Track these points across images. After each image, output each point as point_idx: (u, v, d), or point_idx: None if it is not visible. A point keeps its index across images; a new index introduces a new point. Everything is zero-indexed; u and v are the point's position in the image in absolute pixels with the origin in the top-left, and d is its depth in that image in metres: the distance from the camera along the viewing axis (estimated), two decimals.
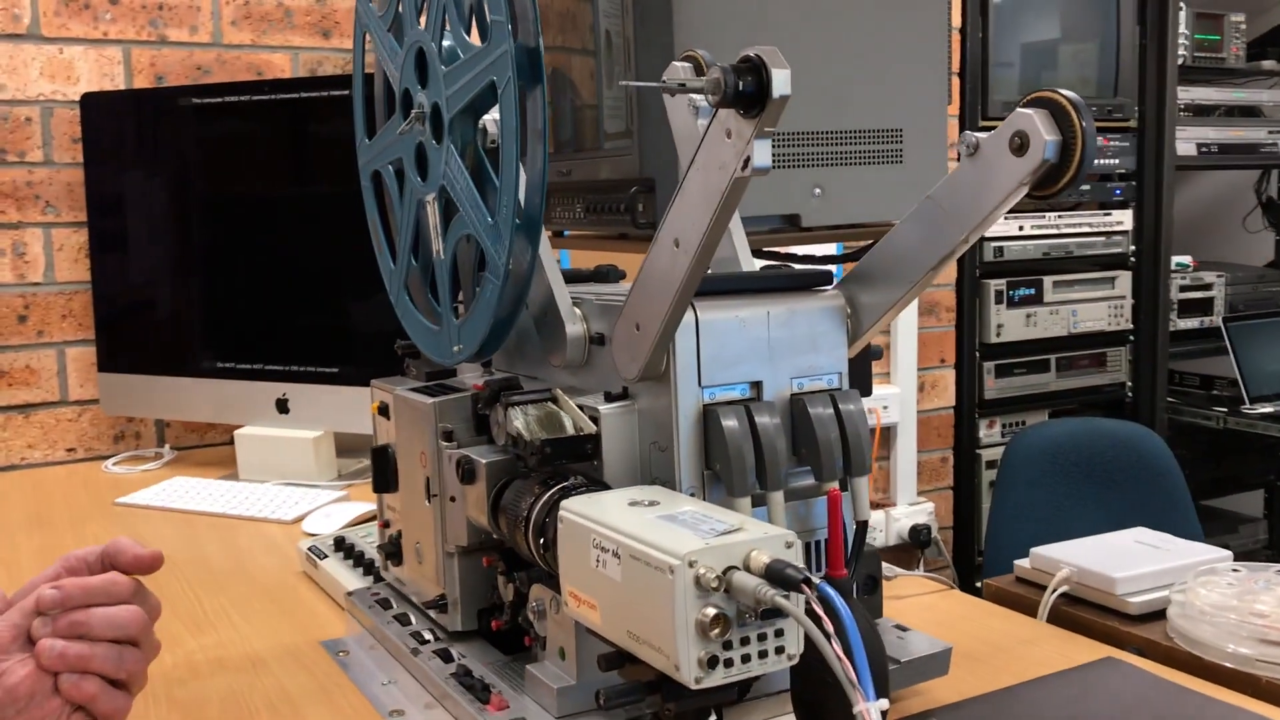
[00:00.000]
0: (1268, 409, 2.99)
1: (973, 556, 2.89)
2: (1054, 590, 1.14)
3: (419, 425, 1.00)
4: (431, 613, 1.01)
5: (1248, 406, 3.01)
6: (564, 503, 0.77)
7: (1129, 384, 3.05)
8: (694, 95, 1.03)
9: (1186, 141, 3.03)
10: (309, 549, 1.31)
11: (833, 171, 1.32)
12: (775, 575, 0.64)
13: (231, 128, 1.75)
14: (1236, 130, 3.15)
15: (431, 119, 0.97)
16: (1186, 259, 3.17)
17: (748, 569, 0.66)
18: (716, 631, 0.65)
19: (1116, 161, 2.94)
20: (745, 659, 0.67)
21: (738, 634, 0.66)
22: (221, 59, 1.94)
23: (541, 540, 0.82)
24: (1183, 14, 2.98)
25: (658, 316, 0.79)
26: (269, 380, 1.74)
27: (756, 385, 0.85)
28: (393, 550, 1.09)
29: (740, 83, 0.67)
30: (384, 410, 1.10)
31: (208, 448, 1.99)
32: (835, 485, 0.84)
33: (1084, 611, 1.13)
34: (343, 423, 1.72)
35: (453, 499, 0.96)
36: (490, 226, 0.89)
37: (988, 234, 2.75)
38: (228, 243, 1.80)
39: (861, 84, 1.36)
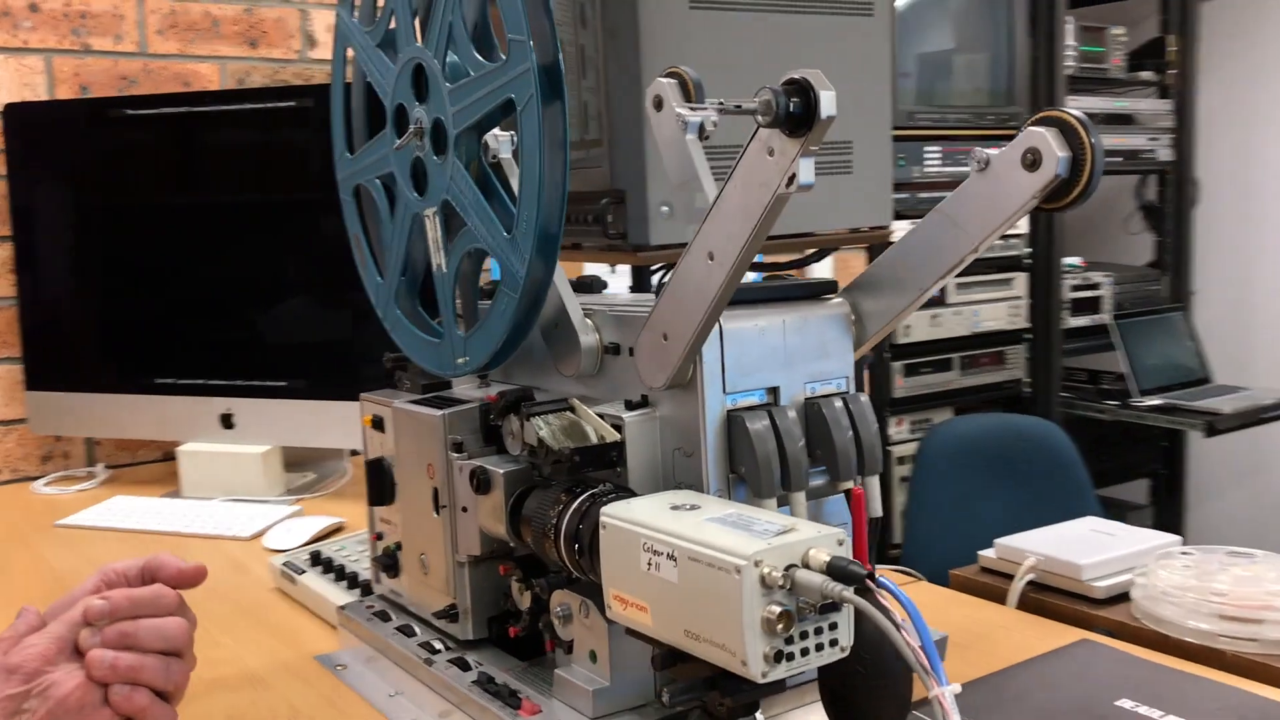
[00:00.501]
0: (1155, 401, 3.16)
1: (886, 549, 2.98)
2: (1022, 578, 1.20)
3: (425, 437, 1.01)
4: (439, 623, 1.02)
5: (1136, 399, 3.17)
6: (605, 509, 0.80)
7: (1027, 380, 3.18)
8: (682, 111, 1.06)
9: None
10: (283, 565, 1.30)
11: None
12: (838, 571, 0.68)
13: (163, 138, 1.71)
14: (1120, 138, 3.31)
15: (432, 134, 0.98)
16: (1077, 260, 3.33)
17: (806, 566, 0.69)
18: (781, 627, 0.68)
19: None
20: (804, 652, 0.70)
21: (798, 629, 0.69)
22: (148, 69, 1.90)
23: (576, 546, 0.84)
24: (1070, 27, 3.13)
25: (689, 327, 0.82)
26: (213, 395, 1.72)
27: (774, 391, 0.88)
28: (389, 563, 1.10)
29: (790, 104, 0.70)
30: (378, 424, 1.10)
31: (140, 465, 1.95)
32: (851, 484, 0.88)
33: (1051, 597, 1.20)
34: (290, 437, 1.70)
35: (464, 509, 0.98)
36: (507, 241, 0.90)
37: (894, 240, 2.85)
38: (163, 256, 1.76)
39: None
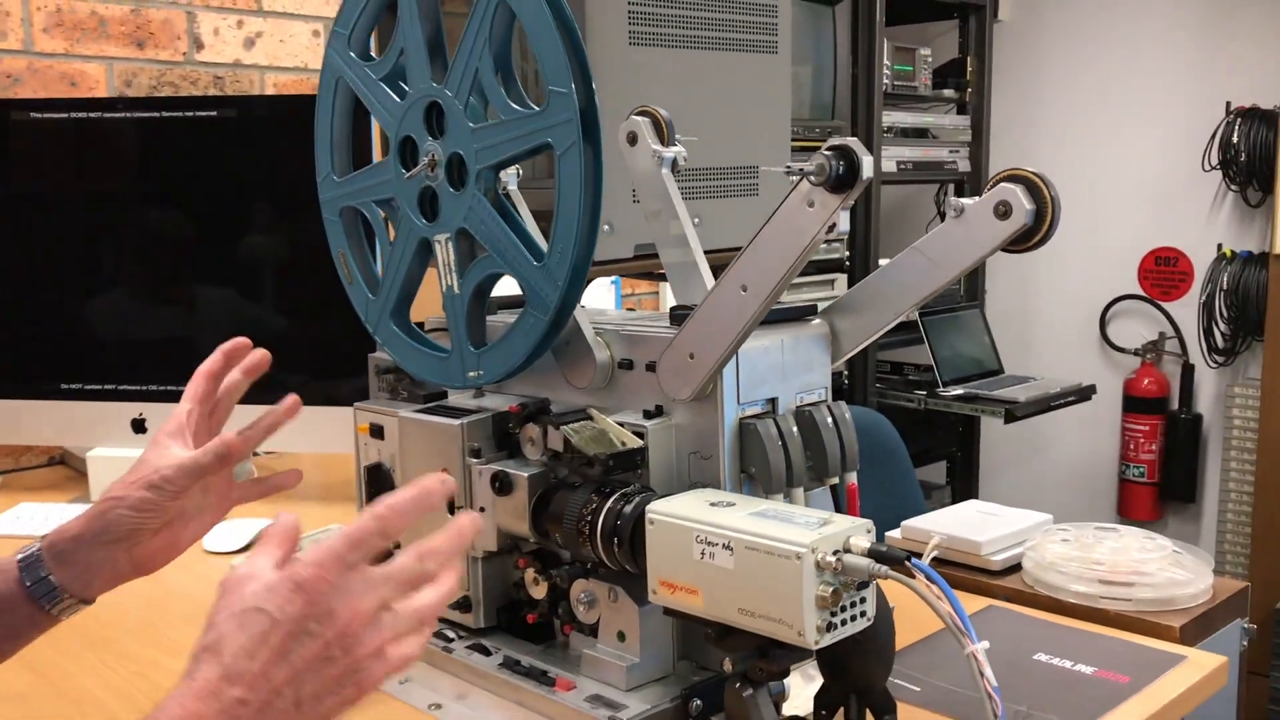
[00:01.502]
0: (958, 391, 3.47)
1: None
2: (929, 555, 1.38)
3: (440, 444, 1.10)
4: (452, 614, 1.11)
5: (941, 390, 3.48)
6: (650, 507, 0.92)
7: (845, 372, 3.44)
8: (657, 148, 1.19)
9: (889, 159, 3.46)
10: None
11: (708, 203, 1.52)
12: (879, 555, 0.83)
13: (67, 140, 1.70)
14: (926, 150, 3.62)
15: (448, 167, 1.07)
16: (885, 261, 3.61)
17: (849, 551, 0.84)
18: (830, 603, 0.83)
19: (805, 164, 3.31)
20: (844, 622, 0.85)
21: (841, 604, 0.84)
22: (33, 67, 1.87)
23: (615, 540, 0.96)
24: (885, 47, 3.39)
25: (717, 349, 0.95)
26: (123, 400, 1.72)
27: (772, 401, 1.02)
28: (386, 559, 1.18)
29: (839, 167, 0.84)
30: (377, 431, 1.18)
31: (24, 471, 1.91)
32: (835, 479, 1.03)
33: (954, 571, 1.39)
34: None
35: (481, 509, 1.07)
36: (537, 269, 1.01)
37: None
38: (65, 259, 1.75)
39: (728, 128, 1.57)
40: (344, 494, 1.81)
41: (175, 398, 1.69)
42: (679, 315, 1.02)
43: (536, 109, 0.99)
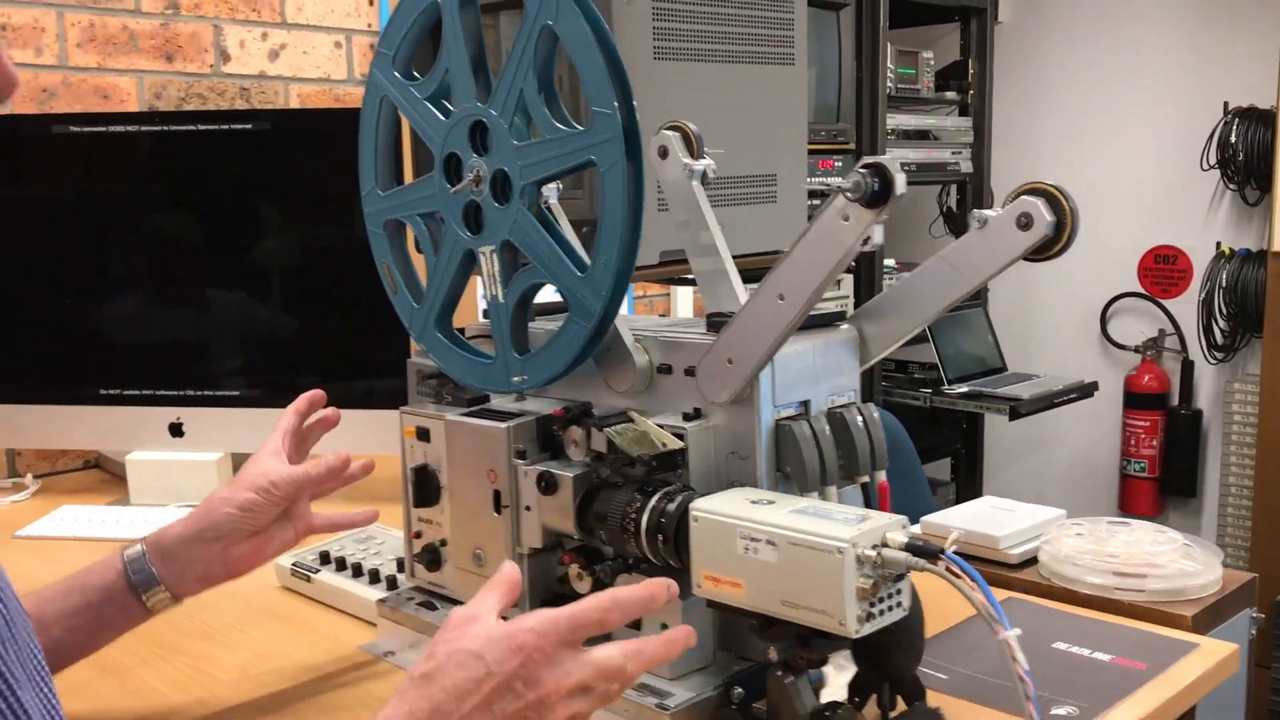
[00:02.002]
0: (963, 389, 3.53)
1: None
2: (950, 549, 1.44)
3: (486, 446, 1.15)
4: None
5: (946, 387, 3.54)
6: (694, 505, 0.97)
7: None
8: (688, 161, 1.24)
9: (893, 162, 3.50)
10: (292, 565, 1.40)
11: (728, 210, 1.57)
12: (916, 549, 0.88)
13: (103, 153, 1.75)
14: (929, 151, 3.67)
15: (493, 183, 1.12)
16: (891, 261, 3.67)
17: (886, 546, 0.89)
18: (870, 594, 0.88)
19: (842, 180, 3.36)
20: (881, 613, 0.90)
21: (879, 595, 0.89)
22: (67, 81, 1.92)
23: (660, 537, 1.01)
24: (889, 50, 3.45)
25: (755, 354, 1.00)
26: (161, 405, 1.77)
27: (805, 403, 1.07)
28: (432, 557, 1.23)
29: (873, 183, 0.89)
30: (423, 434, 1.23)
31: (63, 474, 1.96)
32: (866, 478, 1.09)
33: (972, 564, 1.44)
34: (241, 443, 1.78)
35: (527, 508, 1.12)
36: (580, 279, 1.06)
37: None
38: (104, 268, 1.80)
39: (747, 137, 1.62)
40: (368, 494, 1.86)
41: (211, 402, 1.76)
42: (716, 322, 1.07)
43: (580, 128, 1.04)
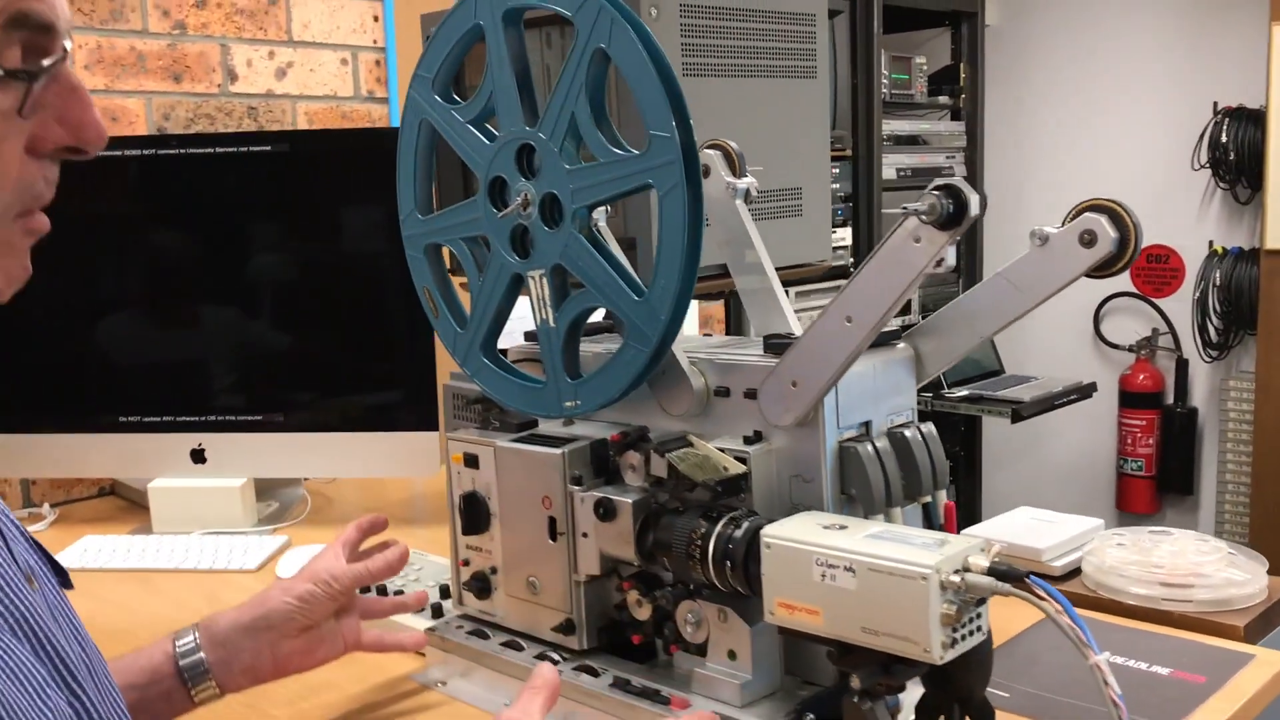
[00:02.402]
0: (964, 392, 3.54)
1: None
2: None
3: (540, 473, 1.13)
4: (555, 636, 1.15)
5: (947, 391, 3.55)
6: (764, 532, 0.96)
7: None
8: (731, 180, 1.24)
9: (888, 167, 3.52)
10: None
11: (758, 225, 1.56)
12: (1000, 573, 0.87)
13: (120, 178, 1.73)
14: (922, 156, 3.68)
15: (542, 206, 1.10)
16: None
17: (968, 570, 0.88)
18: (954, 620, 0.87)
19: (838, 186, 3.37)
20: (963, 637, 0.89)
21: (962, 620, 0.88)
22: None
23: (728, 564, 1.00)
24: (883, 56, 3.45)
25: (821, 377, 0.99)
26: (182, 431, 1.75)
27: (866, 424, 1.07)
28: (482, 585, 1.21)
29: (948, 205, 0.89)
30: (471, 461, 1.21)
31: (79, 501, 1.93)
32: (929, 497, 1.08)
33: None
34: (264, 469, 1.75)
35: (584, 535, 1.11)
36: (637, 303, 1.05)
37: None
38: (126, 295, 1.77)
39: (773, 150, 1.62)
40: (389, 516, 1.84)
41: (233, 427, 1.74)
42: (776, 345, 1.06)
43: (636, 152, 1.03)
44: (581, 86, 1.05)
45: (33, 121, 0.69)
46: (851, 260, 3.47)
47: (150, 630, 1.08)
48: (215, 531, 1.71)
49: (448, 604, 1.32)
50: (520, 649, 1.18)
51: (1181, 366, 3.98)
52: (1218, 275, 3.79)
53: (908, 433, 1.07)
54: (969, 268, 3.91)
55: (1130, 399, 4.03)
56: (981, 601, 0.90)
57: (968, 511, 3.89)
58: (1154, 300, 4.01)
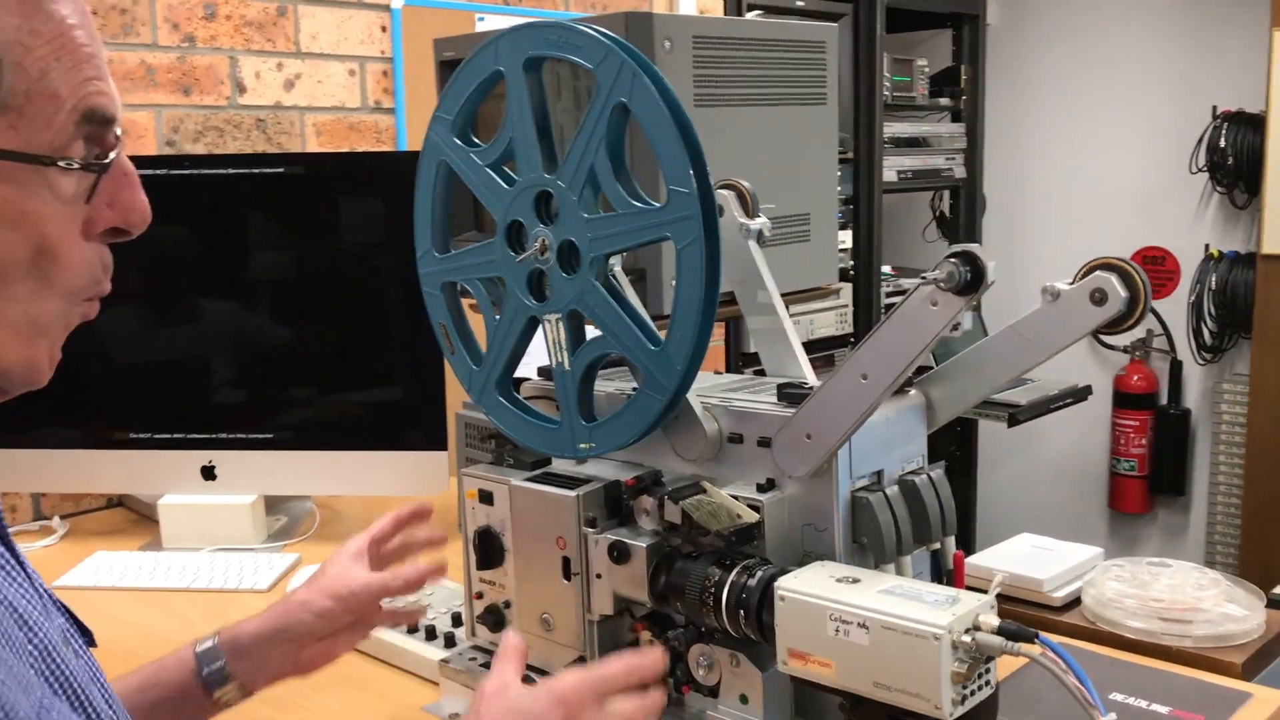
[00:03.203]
0: None
1: None
2: (993, 592, 1.46)
3: (555, 513, 1.15)
4: None
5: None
6: (779, 585, 0.98)
7: None
8: (744, 220, 1.25)
9: (889, 169, 3.53)
10: None
11: (767, 251, 1.58)
12: (1009, 633, 0.89)
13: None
14: (924, 158, 3.69)
15: (560, 252, 1.12)
16: (887, 267, 3.70)
17: (978, 629, 0.91)
18: (963, 678, 0.89)
19: (839, 190, 3.38)
20: (973, 693, 0.92)
21: (971, 676, 0.91)
22: None
23: (742, 613, 1.02)
24: (885, 59, 3.46)
25: (836, 431, 1.01)
26: (192, 448, 1.76)
27: (878, 473, 1.09)
28: (496, 619, 1.24)
29: (965, 273, 0.90)
30: (486, 497, 1.23)
31: (88, 514, 1.95)
32: (937, 544, 1.10)
33: (1014, 607, 1.46)
34: (274, 486, 1.77)
35: (598, 576, 1.13)
36: (654, 352, 1.06)
37: None
38: (137, 314, 1.78)
39: (782, 177, 1.64)
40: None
41: (244, 445, 1.75)
42: (791, 394, 1.08)
43: (656, 205, 1.04)
44: (602, 139, 1.07)
45: (89, 206, 0.72)
46: (852, 263, 3.49)
47: (161, 652, 1.09)
48: (225, 548, 1.73)
49: (459, 633, 1.35)
50: (534, 683, 1.20)
51: (1175, 368, 4.01)
52: (1213, 279, 3.81)
53: (918, 480, 1.09)
54: None
55: (1124, 400, 4.06)
56: (990, 658, 0.92)
57: (963, 513, 3.91)
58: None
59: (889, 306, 3.59)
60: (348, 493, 1.88)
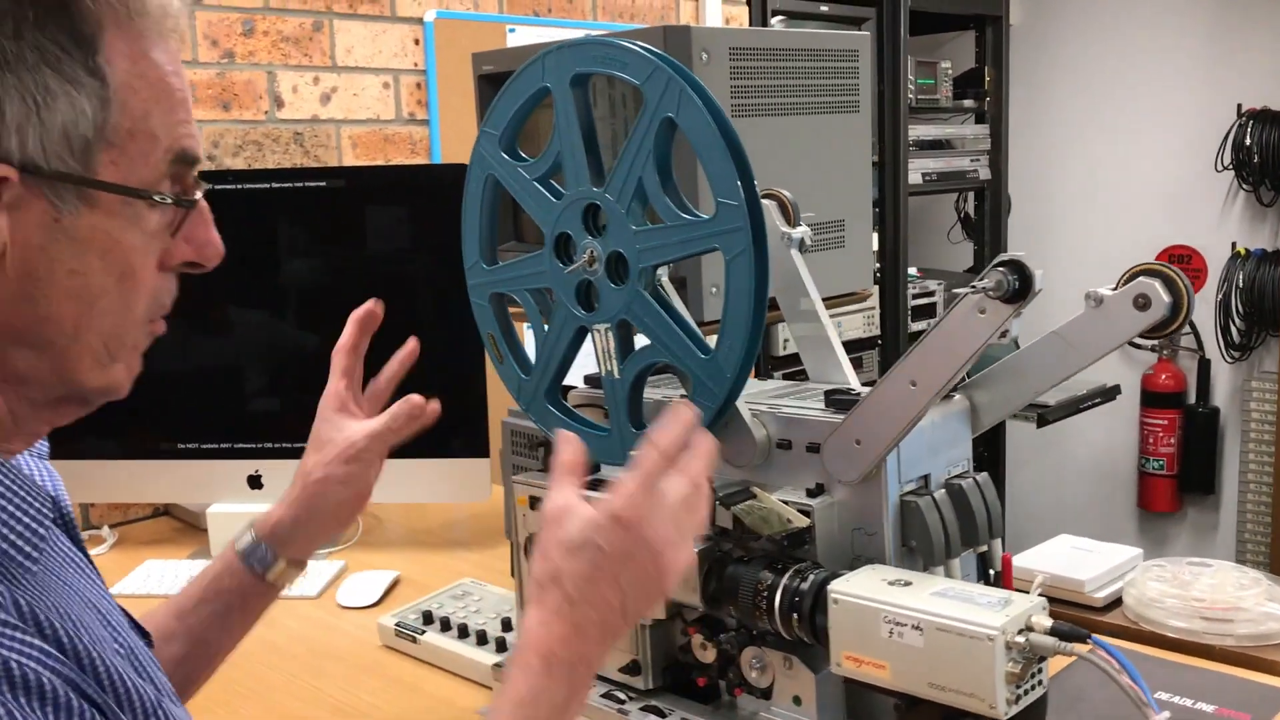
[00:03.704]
0: None
1: None
2: (1035, 591, 1.48)
3: None
4: (621, 676, 1.19)
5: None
6: (832, 588, 1.00)
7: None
8: (786, 230, 1.27)
9: (915, 171, 3.54)
10: (396, 625, 1.43)
11: (804, 257, 1.60)
12: (1062, 633, 0.91)
13: None
14: (948, 160, 3.70)
15: (608, 264, 1.14)
16: (913, 269, 3.71)
17: (1031, 630, 0.92)
18: (1017, 678, 0.91)
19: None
20: (1026, 693, 0.93)
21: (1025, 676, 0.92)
22: None
23: (795, 616, 1.04)
24: (909, 62, 3.48)
25: (885, 438, 1.03)
26: (239, 458, 1.79)
27: (925, 477, 1.11)
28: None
29: (1014, 281, 0.92)
30: (537, 503, 1.26)
31: (136, 523, 1.99)
32: (985, 546, 1.12)
33: (1055, 608, 1.47)
34: None
35: None
36: (704, 361, 1.09)
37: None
38: (184, 326, 1.81)
39: (817, 184, 1.65)
40: (428, 540, 1.89)
41: (290, 454, 1.78)
42: (839, 401, 1.10)
43: (705, 216, 1.07)
44: (649, 153, 1.09)
45: (171, 240, 0.76)
46: (878, 265, 3.50)
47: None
48: None
49: (510, 637, 1.37)
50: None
51: (1203, 367, 4.00)
52: (1240, 276, 3.81)
53: (964, 483, 1.11)
54: None
55: (1152, 399, 4.06)
56: (1043, 658, 0.94)
57: None
58: None
59: (915, 309, 3.61)
60: (391, 500, 1.91)
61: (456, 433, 1.75)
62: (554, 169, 1.19)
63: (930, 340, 1.00)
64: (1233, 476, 4.01)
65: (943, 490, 1.10)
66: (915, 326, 3.60)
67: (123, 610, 0.88)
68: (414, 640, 1.41)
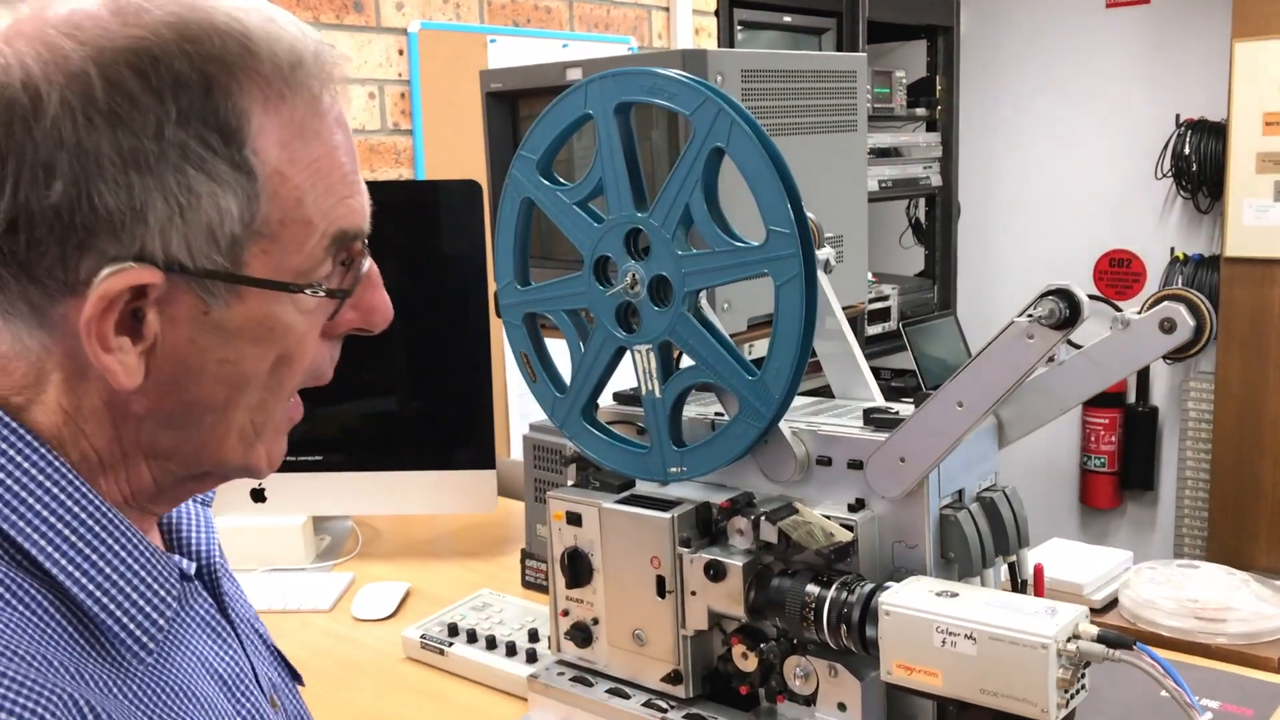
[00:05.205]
0: None
1: None
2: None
3: (649, 534, 1.21)
4: (662, 685, 1.23)
5: (926, 392, 3.66)
6: (882, 600, 1.05)
7: None
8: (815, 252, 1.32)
9: (871, 179, 3.62)
10: (422, 638, 1.45)
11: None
12: (1109, 640, 0.97)
13: None
14: (901, 167, 3.79)
15: (651, 287, 1.18)
16: (869, 274, 3.79)
17: (1079, 638, 0.98)
18: (1067, 684, 0.97)
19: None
20: (1073, 697, 0.99)
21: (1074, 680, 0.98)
22: None
23: (844, 627, 1.09)
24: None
25: (929, 456, 1.08)
26: None
27: (960, 492, 1.16)
28: (584, 635, 1.29)
29: (1064, 309, 0.98)
30: (574, 519, 1.29)
31: None
32: (1014, 556, 1.18)
33: None
34: (323, 508, 1.81)
35: (693, 593, 1.19)
36: (750, 382, 1.13)
37: None
38: None
39: (821, 202, 1.70)
40: (433, 550, 1.91)
41: (292, 468, 1.78)
42: (878, 419, 1.15)
43: (754, 243, 1.11)
44: (697, 181, 1.13)
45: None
46: None
47: None
48: (278, 568, 1.76)
49: (539, 648, 1.40)
50: (627, 696, 1.26)
51: (1143, 367, 4.14)
52: (1179, 280, 3.95)
53: (995, 496, 1.17)
54: (944, 273, 4.03)
55: (1094, 398, 4.18)
56: (1088, 664, 1.00)
57: None
58: (1116, 303, 4.17)
59: (871, 313, 3.69)
60: (398, 513, 1.92)
61: (463, 445, 1.78)
62: (594, 193, 1.22)
63: (978, 364, 1.05)
64: (1171, 473, 4.16)
65: (976, 503, 1.16)
66: (871, 330, 3.68)
67: (272, 650, 0.87)
68: (441, 653, 1.43)
